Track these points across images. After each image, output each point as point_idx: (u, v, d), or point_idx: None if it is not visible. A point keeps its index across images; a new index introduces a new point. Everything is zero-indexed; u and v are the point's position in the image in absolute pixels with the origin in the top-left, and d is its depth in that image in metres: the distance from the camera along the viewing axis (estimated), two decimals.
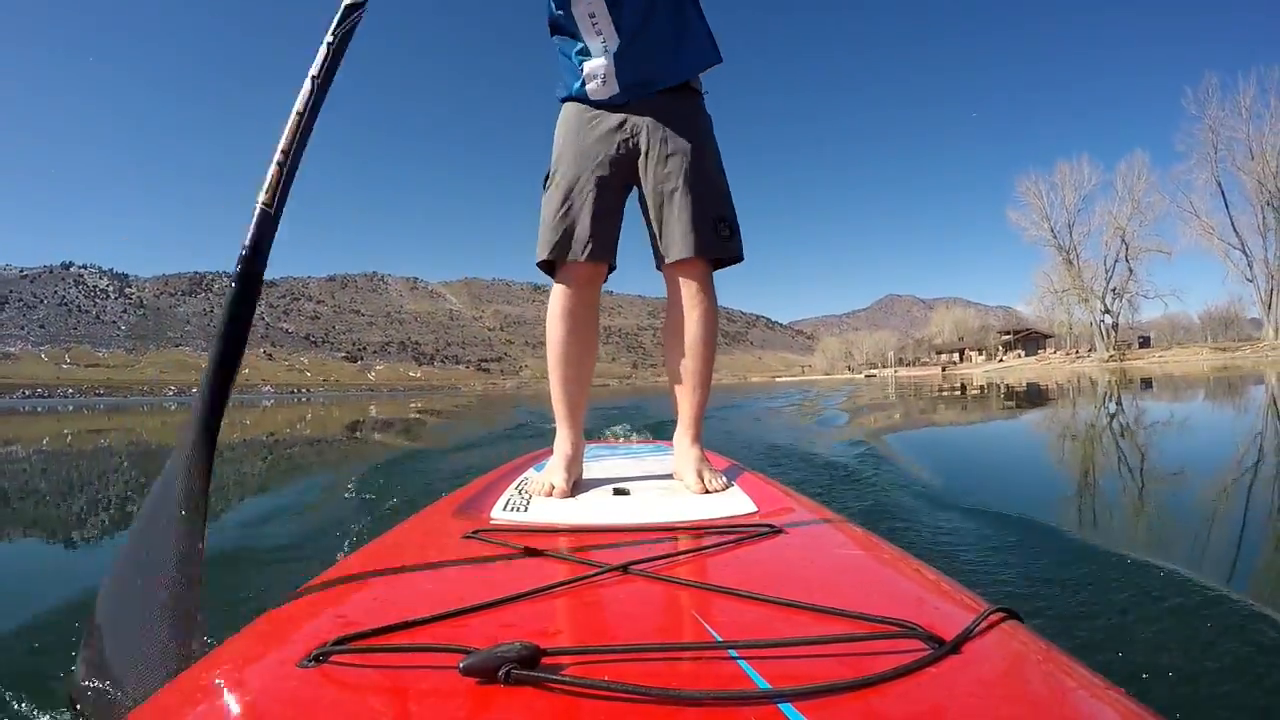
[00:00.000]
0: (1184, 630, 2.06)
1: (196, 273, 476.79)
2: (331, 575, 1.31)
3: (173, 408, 42.62)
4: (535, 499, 1.90)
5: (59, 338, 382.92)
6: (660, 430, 7.10)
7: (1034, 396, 18.16)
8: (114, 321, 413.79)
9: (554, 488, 1.96)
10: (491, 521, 1.68)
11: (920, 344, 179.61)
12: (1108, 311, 79.45)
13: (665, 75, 2.26)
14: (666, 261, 2.28)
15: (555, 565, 1.26)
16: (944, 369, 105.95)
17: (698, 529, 1.56)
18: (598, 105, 2.31)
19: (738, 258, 2.33)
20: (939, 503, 4.09)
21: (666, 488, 2.06)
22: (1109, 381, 24.57)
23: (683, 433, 2.28)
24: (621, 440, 5.39)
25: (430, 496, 2.97)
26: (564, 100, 2.39)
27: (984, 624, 0.91)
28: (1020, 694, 0.79)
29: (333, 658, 0.84)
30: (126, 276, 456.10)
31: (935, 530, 3.42)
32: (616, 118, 2.28)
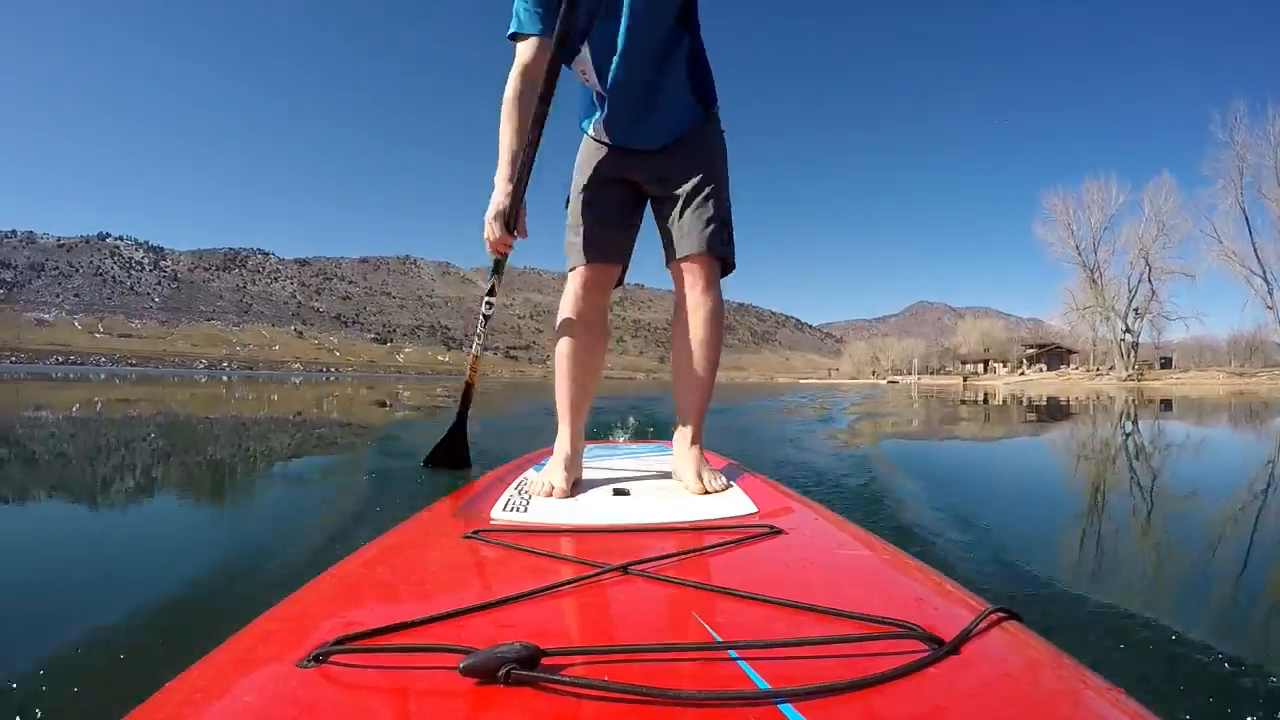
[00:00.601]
0: None
1: (231, 249, 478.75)
2: (331, 575, 1.30)
3: (203, 380, 42.80)
4: (535, 499, 1.89)
5: (93, 307, 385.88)
6: (661, 430, 7.14)
7: (1052, 411, 18.41)
8: (148, 293, 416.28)
9: (554, 488, 1.96)
10: (491, 522, 1.67)
11: (946, 353, 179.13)
12: (1129, 331, 79.59)
13: (648, 139, 2.35)
14: (677, 256, 2.34)
15: (555, 565, 1.25)
16: (965, 379, 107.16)
17: (697, 529, 1.57)
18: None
19: (733, 264, 2.41)
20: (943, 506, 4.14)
21: (666, 488, 2.07)
22: (1127, 400, 24.95)
23: (683, 433, 2.30)
24: (622, 440, 5.39)
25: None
26: (583, 130, 2.50)
27: (984, 624, 0.91)
28: (1020, 694, 0.78)
29: (333, 658, 0.84)
30: (162, 249, 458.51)
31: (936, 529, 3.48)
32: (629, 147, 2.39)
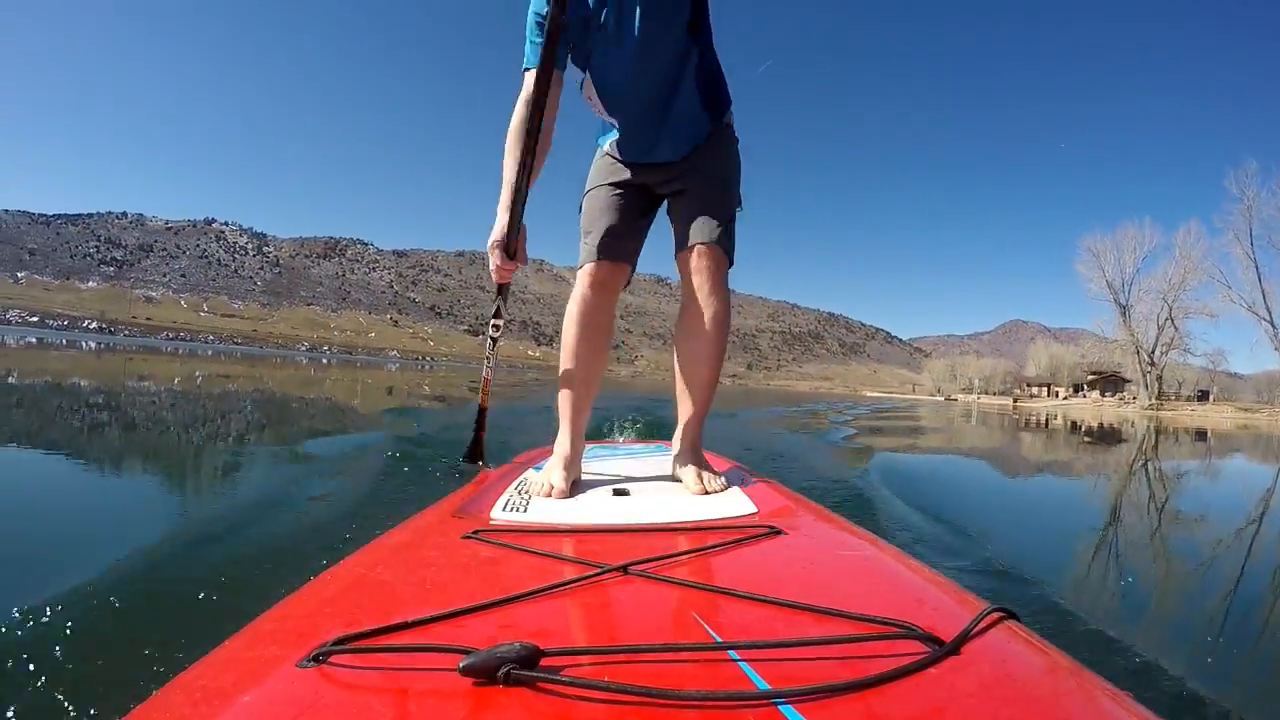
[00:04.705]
0: None
1: (331, 237, 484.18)
2: (331, 575, 1.30)
3: (304, 361, 45.32)
4: (535, 499, 1.89)
5: (199, 287, 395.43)
6: (660, 430, 7.17)
7: (1064, 428, 22.08)
8: (250, 277, 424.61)
9: (553, 488, 1.95)
10: (491, 522, 1.68)
11: (1010, 375, 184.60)
12: (1153, 365, 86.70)
13: (662, 155, 2.38)
14: (687, 244, 2.33)
15: (555, 565, 1.25)
16: (1015, 400, 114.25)
17: (697, 529, 1.57)
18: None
19: (730, 262, 2.40)
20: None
21: (666, 488, 2.07)
22: (1147, 426, 28.95)
23: (683, 433, 2.31)
24: (622, 440, 5.41)
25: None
26: (598, 145, 2.55)
27: (983, 624, 0.91)
28: (1019, 694, 0.78)
29: (333, 658, 0.84)
30: (265, 236, 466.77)
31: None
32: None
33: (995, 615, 0.94)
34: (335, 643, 0.86)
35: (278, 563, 2.51)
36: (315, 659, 0.83)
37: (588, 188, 2.50)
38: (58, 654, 1.72)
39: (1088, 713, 0.77)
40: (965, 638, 0.85)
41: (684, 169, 2.40)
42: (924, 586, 1.19)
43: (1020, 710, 0.74)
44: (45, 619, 1.88)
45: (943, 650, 0.81)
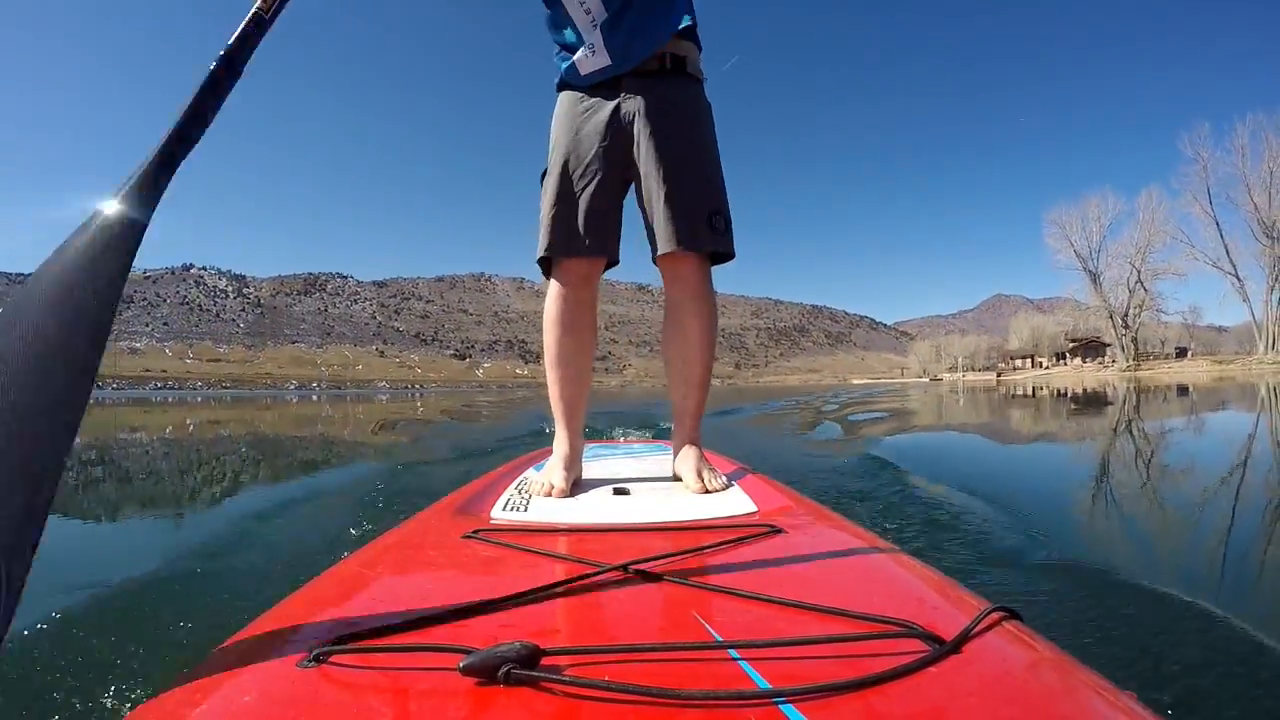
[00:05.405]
0: None
1: (310, 273, 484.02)
2: (331, 575, 1.31)
3: (294, 400, 46.85)
4: (535, 499, 1.89)
5: (182, 334, 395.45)
6: (660, 430, 7.21)
7: (1036, 395, 24.07)
8: (233, 319, 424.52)
9: (553, 487, 1.95)
10: (491, 521, 1.68)
11: (995, 349, 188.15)
12: (1127, 327, 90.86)
13: (653, 38, 2.21)
14: (659, 253, 2.24)
15: (555, 565, 1.26)
16: (999, 375, 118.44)
17: (698, 529, 1.57)
18: (591, 89, 2.29)
19: (730, 254, 2.30)
20: None
21: (667, 487, 2.06)
22: (1127, 387, 29.91)
23: (681, 432, 2.29)
24: (621, 440, 5.69)
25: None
26: (559, 89, 2.39)
27: (984, 623, 0.91)
28: (1021, 694, 0.78)
29: (333, 658, 0.84)
30: (244, 277, 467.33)
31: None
32: (609, 105, 2.25)
33: (996, 614, 0.94)
34: (335, 643, 0.86)
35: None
36: (315, 659, 0.83)
37: (554, 156, 2.30)
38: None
39: (1090, 713, 0.77)
40: (966, 637, 0.85)
41: (660, 142, 2.22)
42: (925, 585, 1.19)
43: (1021, 710, 0.74)
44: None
45: (944, 649, 0.81)
